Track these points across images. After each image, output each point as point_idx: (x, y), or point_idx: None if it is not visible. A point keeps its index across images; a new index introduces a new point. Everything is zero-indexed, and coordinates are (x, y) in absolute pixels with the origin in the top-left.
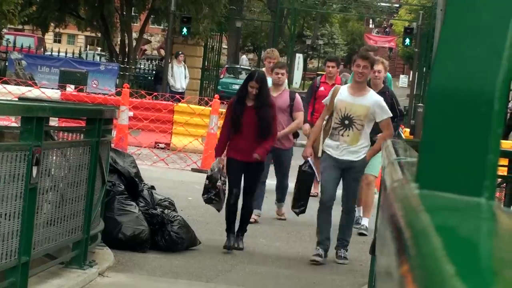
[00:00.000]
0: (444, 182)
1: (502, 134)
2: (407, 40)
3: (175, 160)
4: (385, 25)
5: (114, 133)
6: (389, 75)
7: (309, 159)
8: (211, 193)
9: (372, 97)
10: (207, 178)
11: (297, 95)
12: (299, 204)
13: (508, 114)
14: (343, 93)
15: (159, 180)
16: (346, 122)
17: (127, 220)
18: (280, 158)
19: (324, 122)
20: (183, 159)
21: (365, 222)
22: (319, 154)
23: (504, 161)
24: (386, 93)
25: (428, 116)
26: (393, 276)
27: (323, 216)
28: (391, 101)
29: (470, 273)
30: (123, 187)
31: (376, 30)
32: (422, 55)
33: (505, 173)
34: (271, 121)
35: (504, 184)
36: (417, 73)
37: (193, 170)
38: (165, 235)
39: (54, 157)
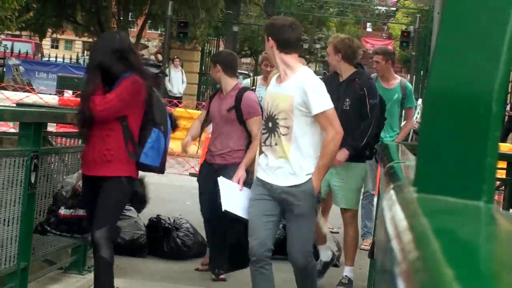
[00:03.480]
0: (442, 185)
1: (500, 137)
2: (404, 44)
3: (173, 165)
4: (384, 35)
5: None
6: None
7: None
8: (49, 223)
9: (298, 80)
10: (53, 197)
11: (247, 94)
12: (219, 262)
13: (506, 117)
14: (272, 81)
15: (157, 185)
16: (270, 124)
17: (125, 225)
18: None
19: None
20: (181, 163)
21: (347, 272)
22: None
23: (502, 164)
24: (355, 80)
25: (426, 119)
26: (392, 281)
27: (257, 280)
28: (361, 93)
29: (469, 277)
30: None
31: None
32: (419, 58)
33: (504, 176)
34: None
35: (503, 187)
36: (414, 76)
37: (191, 174)
38: (170, 241)
39: (53, 163)
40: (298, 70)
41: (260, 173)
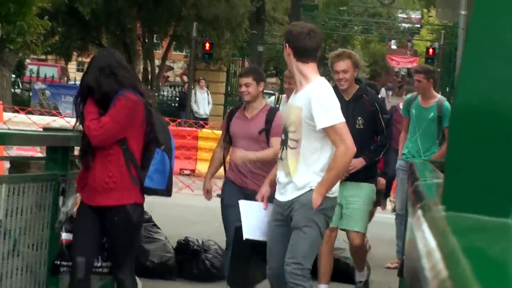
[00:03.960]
0: (470, 203)
1: None
2: (430, 60)
3: (200, 186)
4: (409, 52)
5: None
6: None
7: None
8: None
9: (308, 90)
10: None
11: (278, 114)
12: (236, 280)
13: None
14: (293, 93)
15: (184, 206)
16: (283, 136)
17: (154, 248)
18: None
19: None
20: None
21: (359, 277)
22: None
23: None
24: (363, 96)
25: (453, 136)
26: None
27: None
28: (373, 109)
29: None
30: (150, 215)
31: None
32: (444, 74)
33: None
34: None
35: None
36: (440, 93)
37: (219, 196)
38: (199, 264)
39: None
40: (313, 80)
41: (276, 192)
